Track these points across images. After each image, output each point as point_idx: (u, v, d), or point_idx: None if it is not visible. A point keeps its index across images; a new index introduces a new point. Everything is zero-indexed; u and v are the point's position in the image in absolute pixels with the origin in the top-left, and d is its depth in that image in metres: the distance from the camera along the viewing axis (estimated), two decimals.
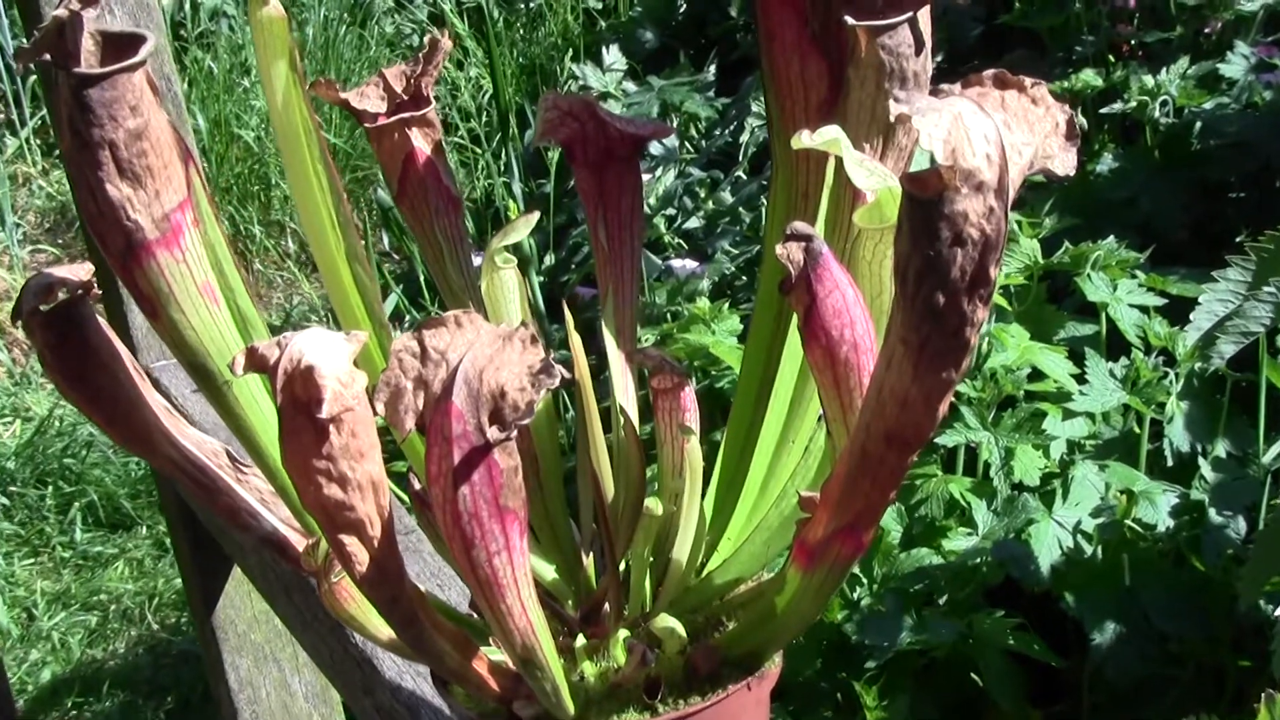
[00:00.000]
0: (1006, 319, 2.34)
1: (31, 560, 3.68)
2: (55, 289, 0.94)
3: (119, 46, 0.90)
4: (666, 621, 0.98)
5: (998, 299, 2.19)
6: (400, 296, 3.40)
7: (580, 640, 1.00)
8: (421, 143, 1.10)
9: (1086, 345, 2.29)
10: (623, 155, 1.09)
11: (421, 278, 3.44)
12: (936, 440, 2.12)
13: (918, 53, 1.00)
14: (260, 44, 1.01)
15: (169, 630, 3.39)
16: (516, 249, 2.98)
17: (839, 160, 0.92)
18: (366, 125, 1.09)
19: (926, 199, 0.79)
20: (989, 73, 0.85)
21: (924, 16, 1.00)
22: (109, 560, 3.68)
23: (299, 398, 0.80)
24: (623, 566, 1.04)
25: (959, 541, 2.08)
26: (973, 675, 2.09)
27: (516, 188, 3.82)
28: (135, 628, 3.44)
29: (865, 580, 2.10)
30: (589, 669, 0.98)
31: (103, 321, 0.97)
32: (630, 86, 3.80)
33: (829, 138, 0.92)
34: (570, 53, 4.60)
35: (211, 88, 4.99)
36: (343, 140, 4.86)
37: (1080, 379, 2.21)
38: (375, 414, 0.84)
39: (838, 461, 0.90)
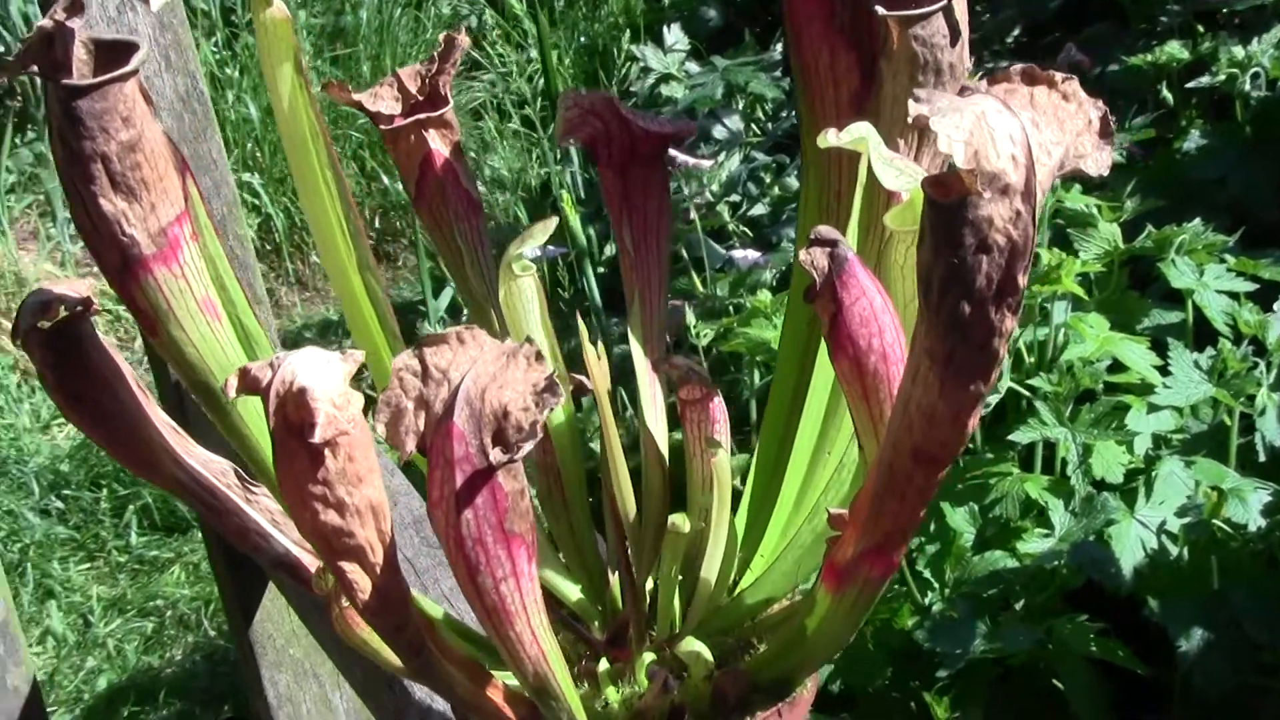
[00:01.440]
0: (1085, 308, 2.27)
1: (87, 565, 3.66)
2: (54, 306, 0.91)
3: (113, 55, 0.86)
4: (692, 645, 0.93)
5: (1075, 287, 2.12)
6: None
7: (604, 664, 0.96)
8: (439, 145, 1.06)
9: (1171, 335, 2.21)
10: (647, 155, 1.05)
11: None
12: (1011, 437, 2.05)
13: (953, 43, 0.94)
14: (264, 46, 0.97)
15: (225, 637, 3.36)
16: (573, 241, 2.94)
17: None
18: (382, 127, 1.06)
19: (948, 203, 0.74)
20: (1017, 68, 0.80)
21: (959, 4, 0.94)
22: (165, 564, 3.65)
23: (292, 421, 0.76)
24: (651, 585, 1.00)
25: (1035, 544, 2.00)
26: (1053, 683, 2.02)
27: (574, 176, 3.73)
28: (191, 634, 3.41)
29: (936, 585, 2.04)
30: (612, 695, 0.94)
31: (105, 339, 0.94)
32: (693, 67, 3.69)
33: (856, 136, 0.87)
34: (630, 33, 4.47)
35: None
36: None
37: (1164, 371, 2.13)
38: (376, 435, 0.80)
39: (866, 479, 0.86)
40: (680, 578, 0.99)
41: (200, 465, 0.96)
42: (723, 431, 1.00)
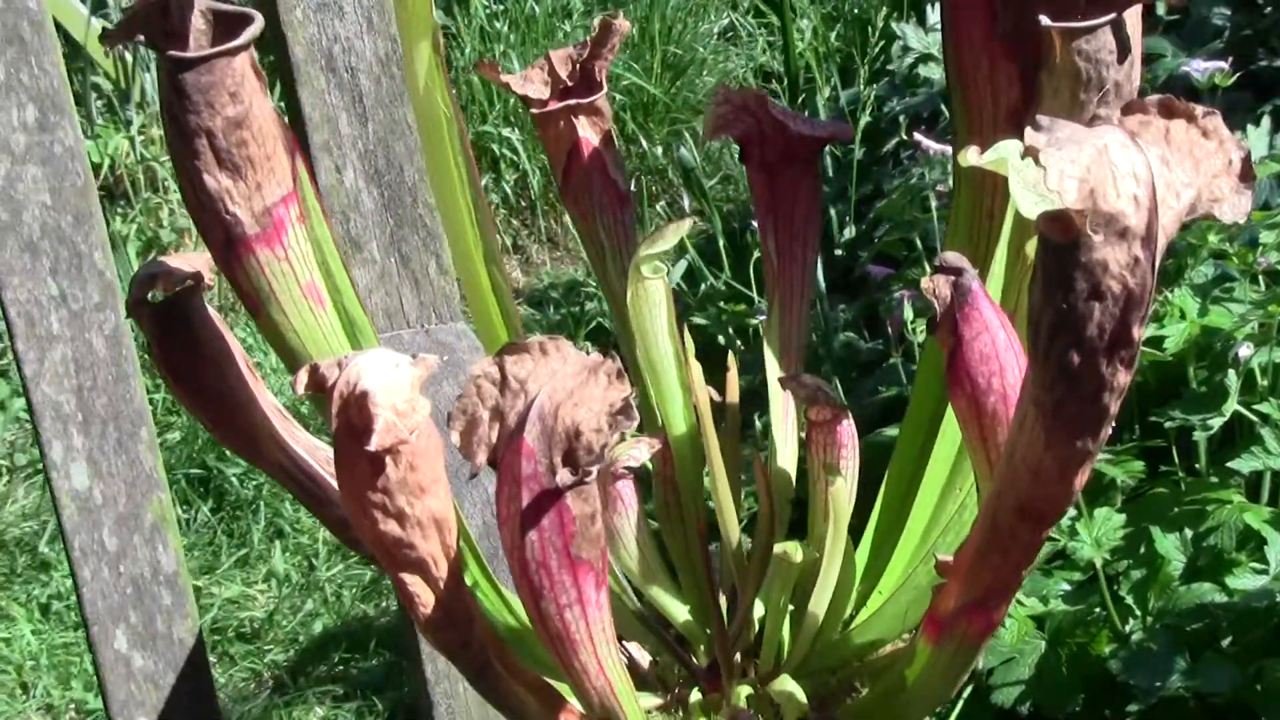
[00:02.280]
0: None
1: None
2: (163, 280, 0.90)
3: (231, 26, 0.84)
4: (786, 685, 0.89)
5: None
6: (695, 258, 3.26)
7: (695, 695, 0.92)
8: (589, 132, 1.02)
9: None
10: (799, 157, 1.00)
11: (721, 242, 3.31)
12: (1233, 464, 1.94)
13: (1121, 60, 0.88)
14: (402, 22, 0.94)
15: None
16: (825, 227, 2.85)
17: None
18: (533, 111, 1.02)
19: (1061, 243, 0.68)
20: (1154, 99, 0.73)
21: (1132, 17, 0.87)
22: None
23: (354, 424, 0.73)
24: (761, 611, 0.95)
25: (1248, 579, 1.89)
26: None
27: None
28: None
29: (1139, 613, 1.94)
30: None
31: (215, 315, 0.92)
32: None
33: (998, 156, 0.81)
34: (888, 8, 4.27)
35: (531, 31, 4.85)
36: None
37: None
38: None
39: (972, 529, 0.80)
40: (791, 608, 0.94)
41: (306, 452, 0.94)
42: (850, 456, 0.95)
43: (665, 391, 0.97)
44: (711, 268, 3.23)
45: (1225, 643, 1.91)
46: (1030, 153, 0.68)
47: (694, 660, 0.96)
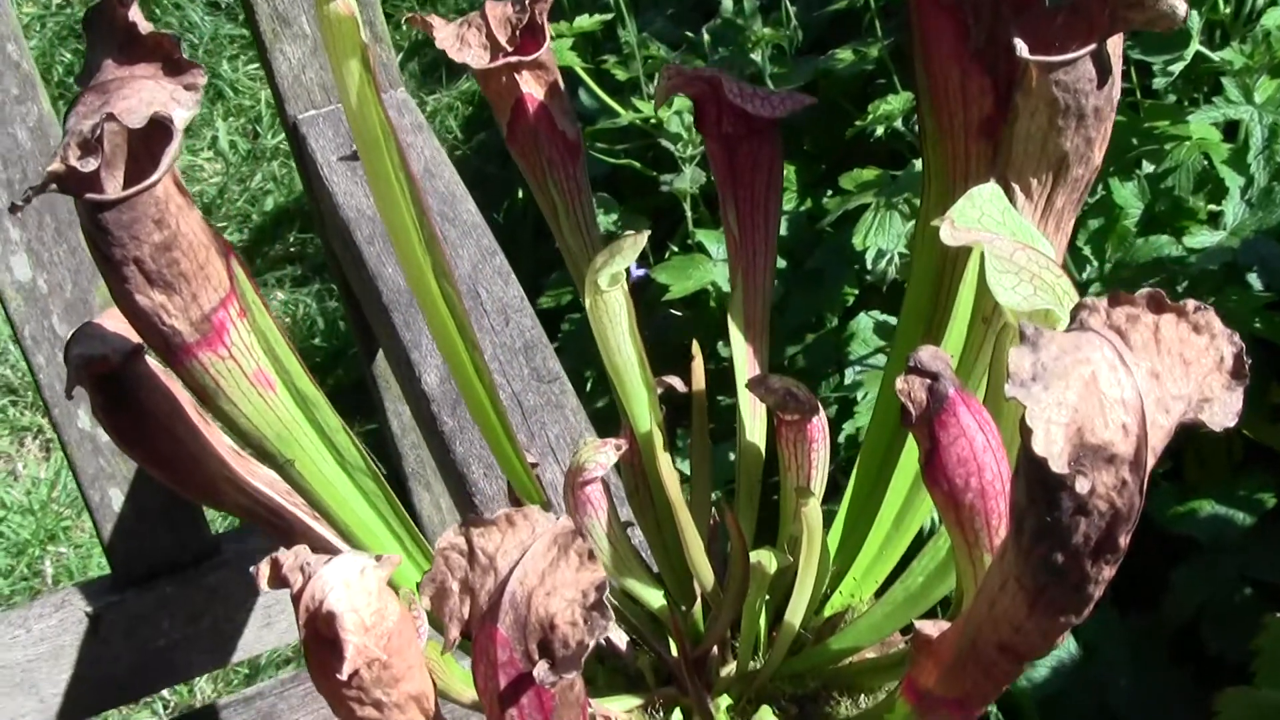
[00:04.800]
0: None
1: (256, 66, 3.59)
2: (100, 364, 0.87)
3: (148, 139, 0.78)
4: (766, 717, 0.90)
5: None
6: None
7: (677, 716, 0.94)
8: (533, 87, 0.96)
9: None
10: (760, 129, 0.94)
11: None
12: (1191, 119, 1.91)
13: (1101, 85, 0.82)
14: (329, 42, 0.87)
15: None
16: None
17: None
18: (473, 68, 0.96)
19: (1042, 462, 0.66)
20: (1143, 292, 0.68)
21: (1114, 43, 0.81)
22: None
23: (322, 635, 0.72)
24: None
25: (1204, 236, 1.89)
26: None
27: None
28: None
29: (1095, 262, 1.94)
30: None
31: (161, 371, 0.89)
32: None
33: (971, 240, 0.77)
34: None
35: None
36: None
37: None
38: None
39: (955, 621, 0.80)
40: (767, 597, 0.95)
41: (265, 486, 0.93)
42: (820, 448, 0.94)
43: (630, 393, 0.94)
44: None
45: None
46: (1015, 390, 0.64)
47: (670, 654, 0.97)
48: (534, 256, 2.87)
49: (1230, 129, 2.01)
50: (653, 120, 2.35)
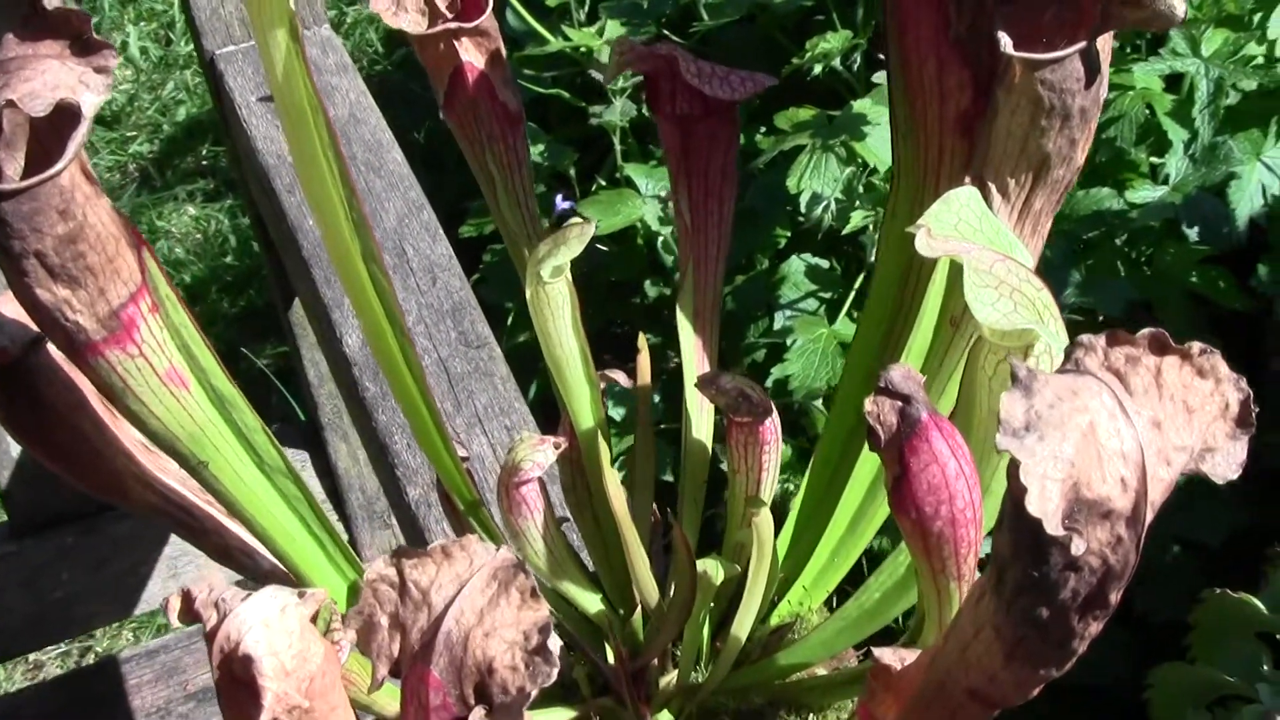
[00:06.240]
0: None
1: None
2: (1, 355, 0.80)
3: (55, 123, 0.70)
4: None
5: None
6: None
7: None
8: (473, 55, 0.89)
9: None
10: (717, 110, 0.88)
11: None
12: (1136, 70, 1.86)
13: (1089, 85, 0.76)
14: (254, 9, 0.80)
15: None
16: None
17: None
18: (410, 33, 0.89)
19: (1035, 519, 0.61)
20: (1145, 333, 0.63)
21: (1104, 41, 0.76)
22: None
23: (238, 678, 0.66)
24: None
25: (1146, 191, 1.84)
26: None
27: None
28: None
29: None
30: None
31: (65, 363, 0.82)
32: None
33: (950, 251, 0.72)
34: None
35: None
36: None
37: None
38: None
39: (919, 657, 0.75)
40: (711, 606, 0.90)
41: (177, 482, 0.86)
42: (772, 450, 0.89)
43: (572, 388, 0.88)
44: None
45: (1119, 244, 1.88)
46: (1007, 441, 0.59)
47: (607, 662, 0.92)
48: (457, 180, 2.79)
49: (1172, 80, 1.95)
50: (583, 49, 2.27)
